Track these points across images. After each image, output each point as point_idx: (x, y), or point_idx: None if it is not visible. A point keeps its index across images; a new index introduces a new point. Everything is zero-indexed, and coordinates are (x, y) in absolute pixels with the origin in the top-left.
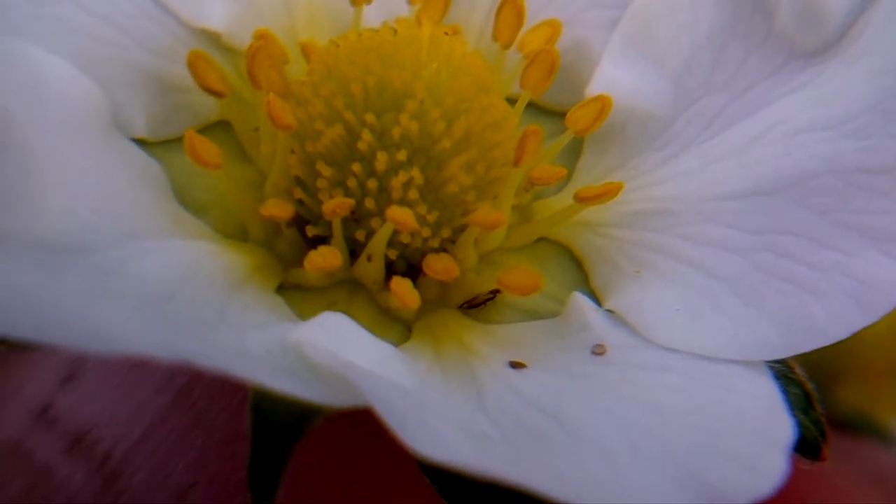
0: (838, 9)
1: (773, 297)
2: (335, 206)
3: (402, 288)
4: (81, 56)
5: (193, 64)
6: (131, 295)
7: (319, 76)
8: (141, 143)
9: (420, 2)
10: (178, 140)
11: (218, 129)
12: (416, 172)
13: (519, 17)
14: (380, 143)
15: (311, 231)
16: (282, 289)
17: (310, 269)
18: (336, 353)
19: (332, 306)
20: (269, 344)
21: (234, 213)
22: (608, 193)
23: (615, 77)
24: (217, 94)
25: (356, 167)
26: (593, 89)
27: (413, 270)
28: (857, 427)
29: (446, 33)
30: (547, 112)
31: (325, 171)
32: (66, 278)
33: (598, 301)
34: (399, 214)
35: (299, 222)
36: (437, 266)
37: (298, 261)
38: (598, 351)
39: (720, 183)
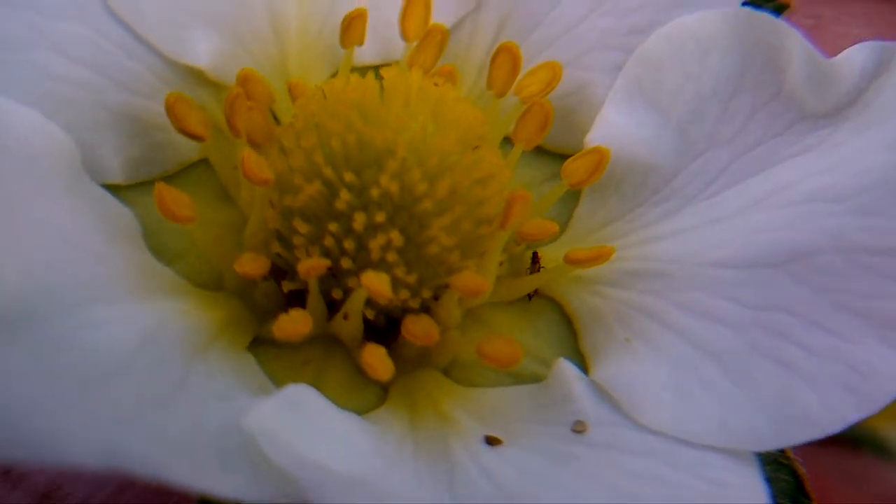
0: (850, 72)
1: (766, 381)
2: (310, 266)
3: (375, 358)
4: (56, 101)
5: (172, 107)
6: (77, 376)
7: (303, 124)
8: (115, 188)
9: (416, 39)
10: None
11: (201, 167)
12: (395, 234)
13: (514, 66)
14: (358, 203)
15: (287, 286)
16: (257, 342)
17: (279, 334)
18: (291, 445)
19: (306, 364)
20: (226, 422)
21: (208, 262)
22: (599, 258)
23: (617, 124)
24: (196, 137)
25: (333, 226)
26: (595, 135)
27: (394, 325)
28: (854, 440)
29: (436, 84)
30: (546, 152)
31: (303, 227)
32: (3, 360)
33: (584, 365)
34: (374, 282)
35: (277, 274)
36: (416, 330)
37: (274, 313)
38: (578, 429)
39: (719, 247)
